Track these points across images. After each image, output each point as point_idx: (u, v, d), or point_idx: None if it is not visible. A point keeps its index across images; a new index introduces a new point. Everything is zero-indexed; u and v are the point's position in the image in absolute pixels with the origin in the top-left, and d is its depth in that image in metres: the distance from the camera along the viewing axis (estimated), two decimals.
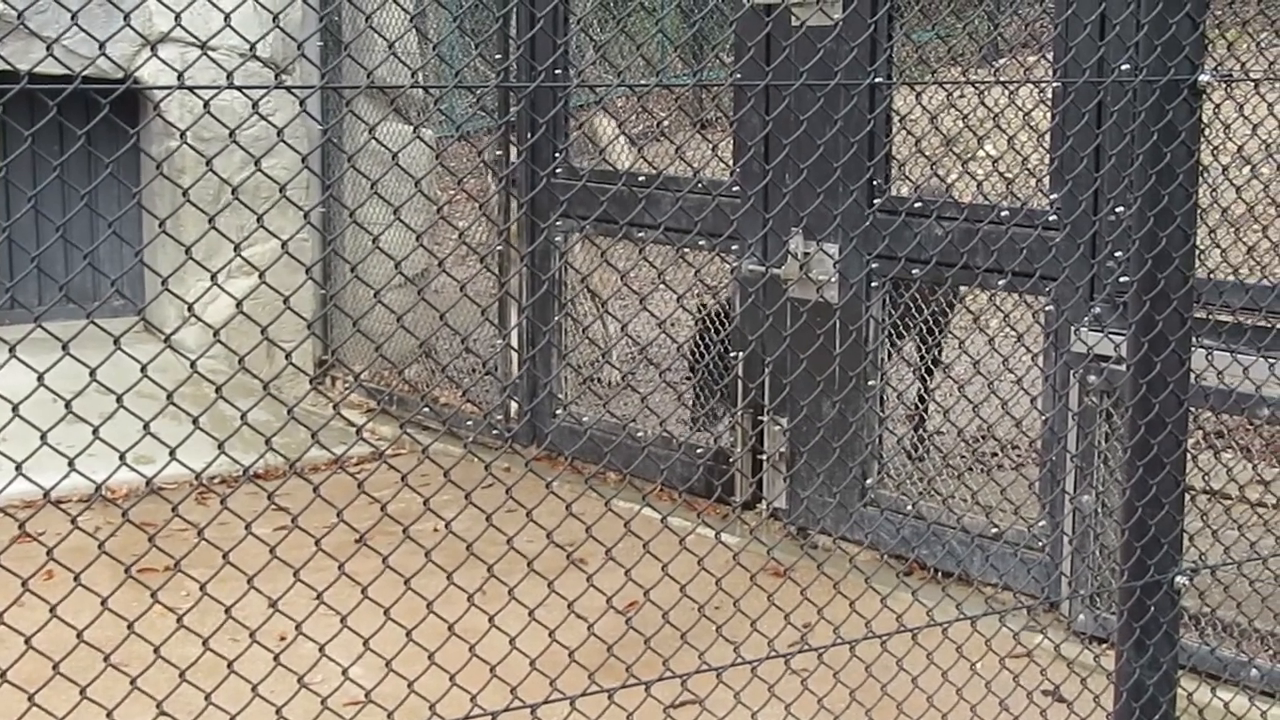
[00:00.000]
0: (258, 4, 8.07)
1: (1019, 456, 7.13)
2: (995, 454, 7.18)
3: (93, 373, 2.31)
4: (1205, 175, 4.54)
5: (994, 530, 6.03)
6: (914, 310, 6.55)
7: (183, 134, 2.51)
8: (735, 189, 6.94)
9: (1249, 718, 4.50)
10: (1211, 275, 5.47)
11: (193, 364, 2.49)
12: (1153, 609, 3.39)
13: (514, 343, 8.44)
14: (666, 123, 10.02)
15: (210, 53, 2.57)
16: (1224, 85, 4.20)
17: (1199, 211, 3.45)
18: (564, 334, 8.30)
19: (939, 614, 3.67)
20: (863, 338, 6.41)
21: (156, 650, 2.59)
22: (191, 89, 2.39)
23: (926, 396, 7.42)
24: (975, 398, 4.05)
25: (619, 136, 8.69)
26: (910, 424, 7.35)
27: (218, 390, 2.47)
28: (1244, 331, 4.90)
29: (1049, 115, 6.00)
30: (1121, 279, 5.28)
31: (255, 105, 2.43)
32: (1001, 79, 7.55)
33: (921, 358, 7.10)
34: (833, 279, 6.46)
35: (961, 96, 6.53)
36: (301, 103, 2.62)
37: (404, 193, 8.08)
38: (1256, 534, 4.69)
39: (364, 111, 9.26)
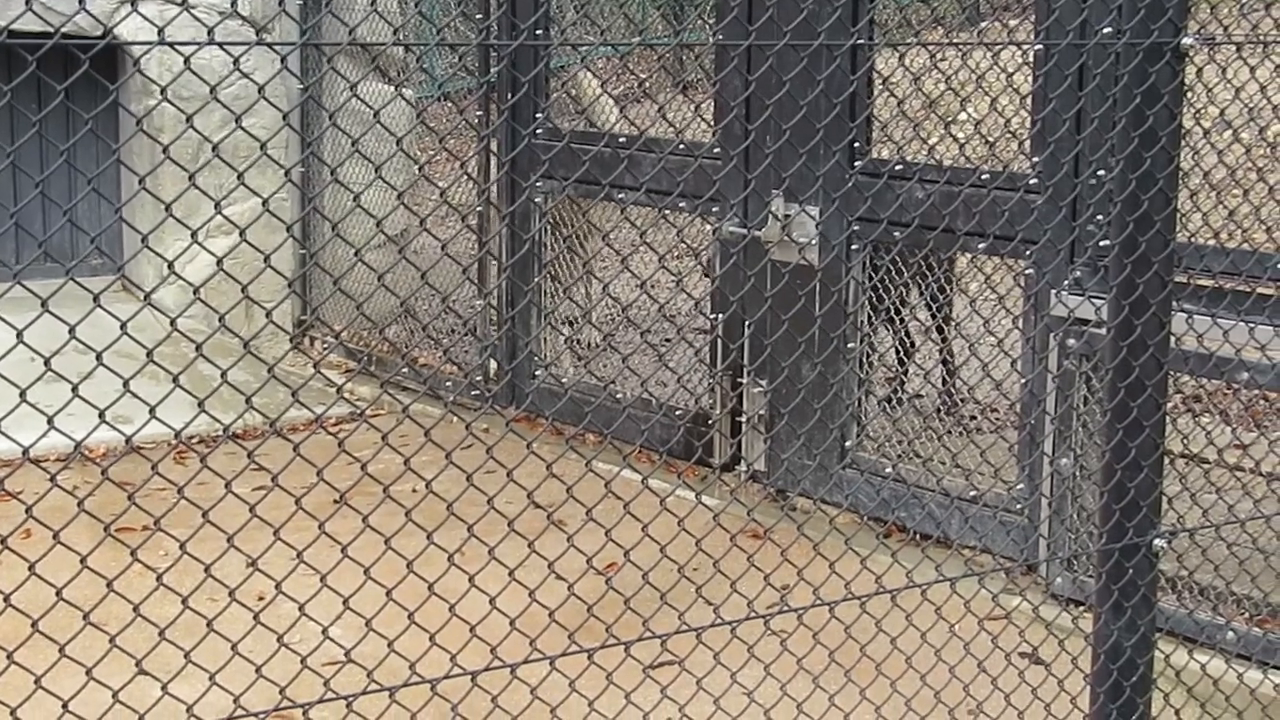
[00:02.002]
0: None
1: (998, 419, 7.15)
2: (975, 417, 7.20)
3: (72, 331, 2.30)
4: (1187, 139, 4.54)
5: (973, 493, 6.05)
6: (894, 273, 6.56)
7: (163, 90, 2.49)
8: (717, 150, 6.93)
9: (1226, 680, 4.53)
10: (1192, 239, 5.48)
11: (173, 322, 2.48)
12: (1131, 572, 3.40)
13: (494, 303, 8.43)
14: (648, 83, 9.99)
15: (190, 10, 2.55)
16: (1207, 48, 4.20)
17: (1180, 175, 3.45)
18: (544, 295, 8.29)
19: (918, 576, 3.68)
20: (843, 300, 6.41)
21: (136, 609, 2.59)
22: (172, 45, 2.37)
23: (907, 359, 7.44)
24: (956, 360, 4.06)
25: (601, 95, 8.66)
26: (890, 386, 7.37)
27: (198, 349, 2.46)
28: (1224, 296, 4.91)
29: (1031, 78, 5.99)
30: (1102, 242, 5.29)
31: (236, 62, 2.42)
32: (984, 41, 7.55)
33: (899, 318, 7.11)
34: (814, 241, 6.45)
35: (944, 59, 6.53)
36: (283, 60, 2.61)
37: (384, 152, 8.06)
38: (1234, 497, 4.71)
39: (345, 70, 9.22)
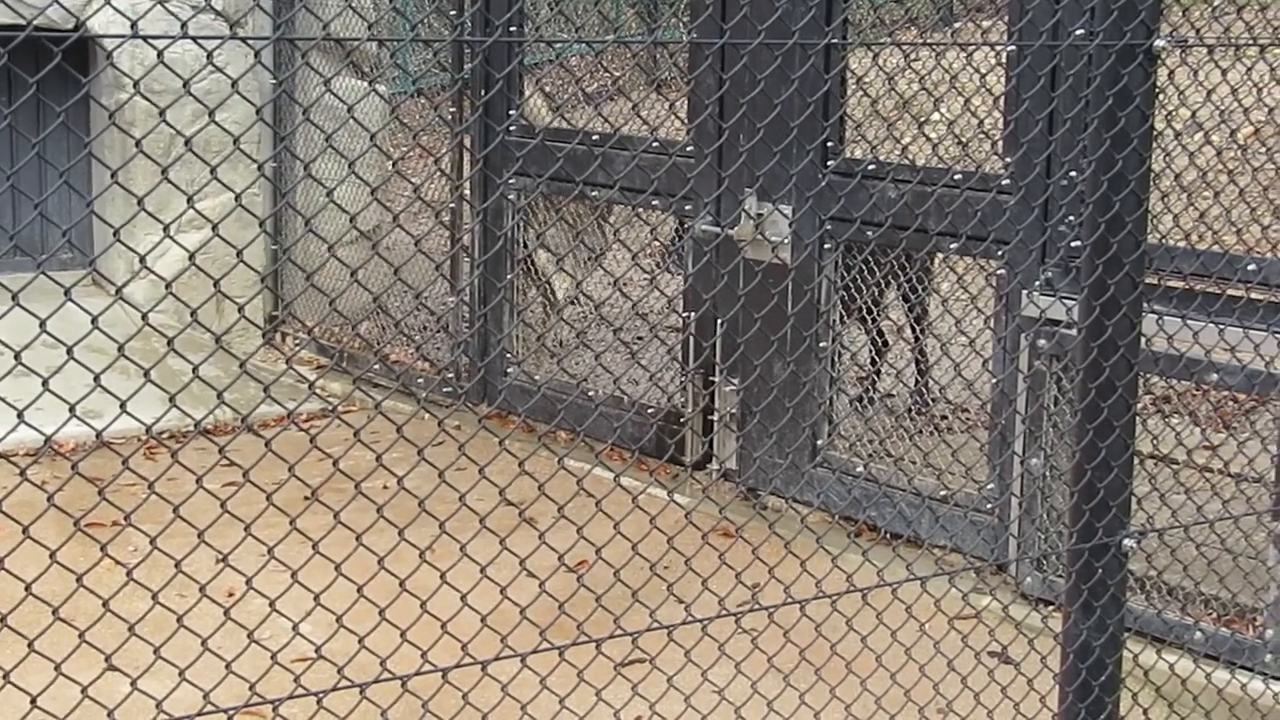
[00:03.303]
0: None
1: (970, 419, 7.17)
2: (946, 416, 7.21)
3: (42, 325, 2.29)
4: (1159, 141, 4.56)
5: (944, 492, 6.06)
6: (867, 272, 6.57)
7: (135, 84, 2.49)
8: (690, 148, 6.93)
9: (1194, 680, 4.54)
10: (1163, 241, 5.50)
11: (144, 317, 2.47)
12: (1100, 571, 3.41)
13: (466, 299, 8.43)
14: (622, 81, 9.99)
15: (163, 3, 2.54)
16: (1179, 51, 4.22)
17: (1152, 177, 3.46)
18: (516, 291, 8.28)
19: (888, 575, 3.69)
20: (816, 299, 6.41)
21: (105, 604, 2.58)
22: (145, 38, 2.36)
23: (879, 359, 7.46)
24: (927, 359, 4.06)
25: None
26: (862, 385, 7.38)
27: (169, 344, 2.45)
28: (1194, 297, 4.92)
29: (1004, 79, 6.01)
30: (1074, 243, 5.30)
31: (210, 56, 2.41)
32: (958, 41, 7.56)
33: (871, 318, 7.12)
34: (787, 240, 6.46)
35: (917, 59, 6.54)
36: (256, 54, 2.60)
37: (358, 148, 8.05)
38: (1203, 498, 4.73)
39: (318, 65, 9.19)
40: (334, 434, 7.30)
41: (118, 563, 2.57)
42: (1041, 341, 5.50)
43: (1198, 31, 5.81)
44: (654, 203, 7.35)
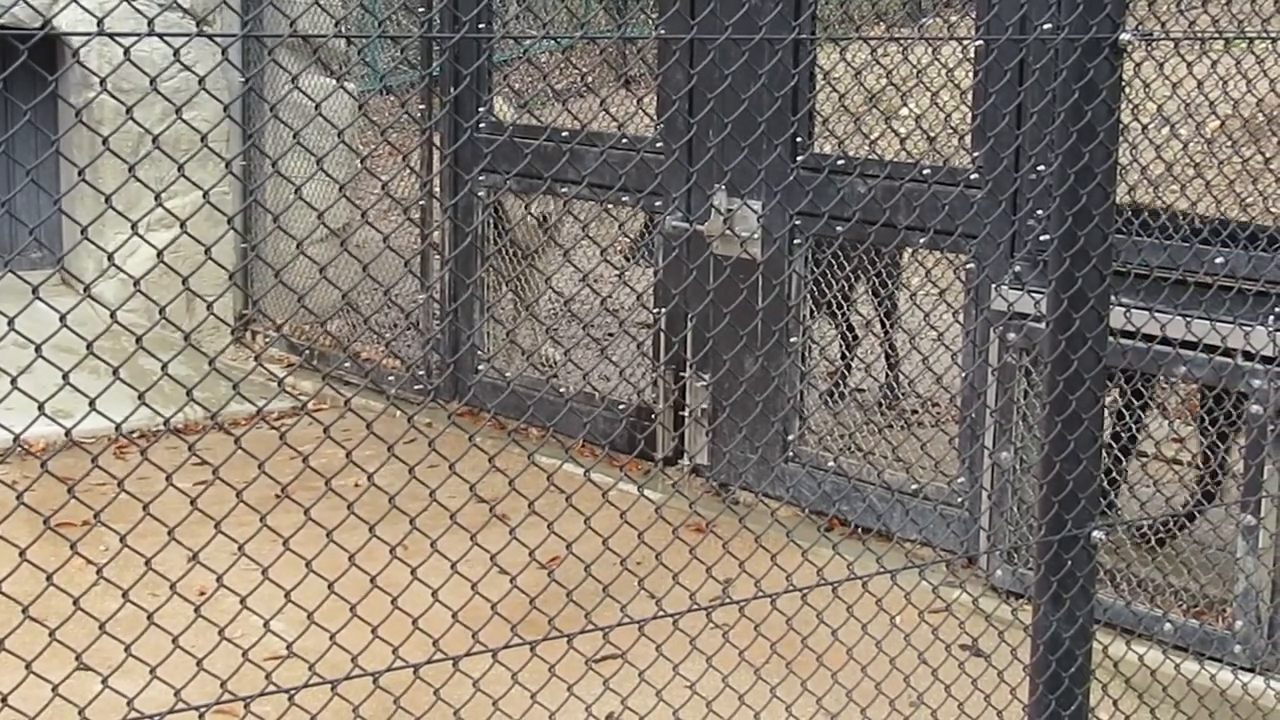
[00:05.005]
0: None
1: (939, 413, 7.19)
2: (916, 410, 7.23)
3: (10, 323, 2.29)
4: (1125, 134, 4.57)
5: (914, 486, 6.08)
6: (836, 267, 6.58)
7: (102, 82, 2.48)
8: (659, 144, 6.93)
9: (1163, 671, 4.57)
10: (1131, 233, 5.52)
11: (113, 315, 2.47)
12: (1069, 564, 3.43)
13: (436, 296, 8.42)
14: (591, 77, 9.99)
15: (130, 1, 2.54)
16: (1145, 44, 4.23)
17: (1118, 170, 3.48)
18: (486, 288, 8.27)
19: (859, 568, 3.69)
20: (785, 294, 6.42)
21: (76, 603, 2.57)
22: (111, 36, 2.36)
23: (849, 353, 7.47)
24: (897, 354, 4.06)
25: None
26: (832, 380, 7.40)
27: (138, 342, 2.45)
28: (1161, 289, 4.95)
29: (972, 73, 6.03)
30: (1042, 237, 5.32)
31: (176, 54, 2.40)
32: (925, 36, 7.58)
33: (841, 312, 7.14)
34: (756, 235, 6.46)
35: (885, 54, 6.55)
36: (223, 51, 2.59)
37: (326, 145, 8.03)
38: (1172, 490, 4.75)
39: (286, 62, 9.17)
40: (304, 431, 7.29)
41: (88, 561, 2.57)
42: (1010, 335, 5.52)
43: (1163, 25, 5.83)
44: (623, 199, 7.35)
